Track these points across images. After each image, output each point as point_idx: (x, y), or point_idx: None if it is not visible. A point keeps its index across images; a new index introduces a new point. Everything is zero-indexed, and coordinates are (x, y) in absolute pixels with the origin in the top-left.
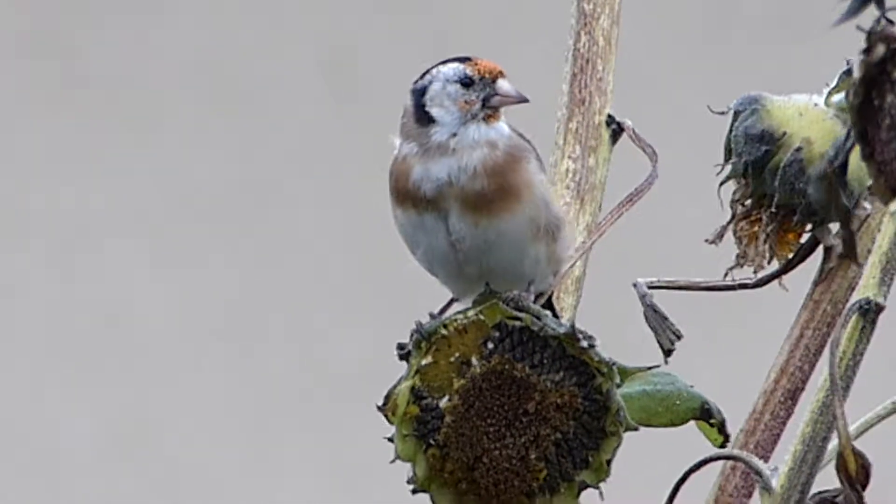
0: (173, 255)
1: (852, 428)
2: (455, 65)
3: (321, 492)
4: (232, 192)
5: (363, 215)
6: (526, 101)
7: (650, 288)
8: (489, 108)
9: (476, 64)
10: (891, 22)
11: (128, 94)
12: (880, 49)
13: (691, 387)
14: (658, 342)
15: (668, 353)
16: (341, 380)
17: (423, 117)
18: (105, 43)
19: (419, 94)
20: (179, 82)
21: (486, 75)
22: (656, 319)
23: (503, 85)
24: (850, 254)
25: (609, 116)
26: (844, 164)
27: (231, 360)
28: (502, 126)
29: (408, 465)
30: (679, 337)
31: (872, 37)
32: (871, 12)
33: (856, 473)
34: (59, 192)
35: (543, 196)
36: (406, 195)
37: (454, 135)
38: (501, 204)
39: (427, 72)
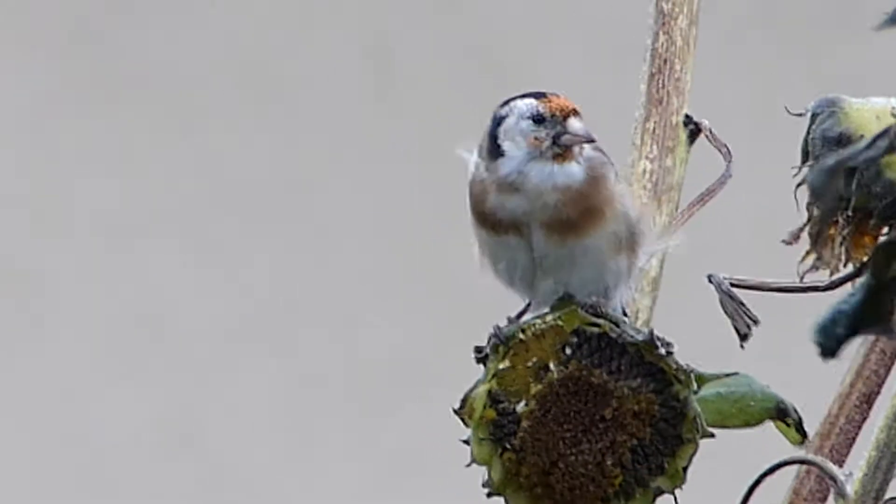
0: (214, 251)
1: None
2: (529, 100)
3: (364, 483)
4: (271, 187)
5: (400, 208)
6: (593, 140)
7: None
8: (558, 147)
9: (549, 101)
10: None
11: (165, 90)
12: None
13: (766, 387)
14: (734, 328)
15: (744, 338)
16: (381, 371)
17: (495, 149)
18: (144, 36)
19: (496, 123)
20: (216, 78)
21: (558, 113)
22: (732, 306)
23: (573, 124)
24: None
25: (686, 116)
26: (884, 193)
27: (272, 354)
28: (572, 168)
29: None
30: (756, 322)
31: None
32: None
33: None
34: (99, 189)
35: (625, 208)
36: (485, 219)
37: (521, 173)
38: (584, 226)
39: (507, 102)
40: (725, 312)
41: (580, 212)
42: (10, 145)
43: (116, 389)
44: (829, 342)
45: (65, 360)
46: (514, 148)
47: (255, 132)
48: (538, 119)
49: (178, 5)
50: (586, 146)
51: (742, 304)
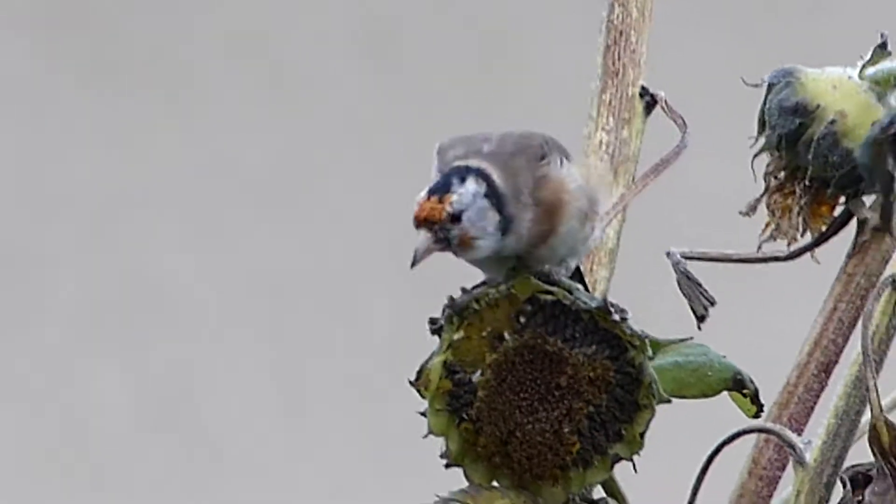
0: (211, 228)
1: (886, 401)
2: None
3: (359, 459)
4: (270, 165)
5: (399, 191)
6: (414, 264)
7: (683, 258)
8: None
9: (416, 206)
10: None
11: (166, 68)
12: None
13: (723, 357)
14: (691, 308)
15: (701, 318)
16: (381, 351)
17: None
18: (144, 18)
19: None
20: (213, 61)
21: (413, 222)
22: (689, 286)
23: (417, 239)
24: (886, 224)
25: (642, 88)
26: (841, 162)
27: (266, 336)
28: (485, 242)
29: (440, 439)
30: (713, 303)
31: None
32: None
33: (889, 446)
34: (99, 166)
35: (577, 183)
36: None
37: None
38: (556, 224)
39: None
40: (682, 293)
41: (548, 218)
42: (6, 125)
43: (110, 368)
44: None
45: (57, 338)
46: None
47: (252, 115)
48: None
49: None
50: (488, 222)
51: (699, 284)
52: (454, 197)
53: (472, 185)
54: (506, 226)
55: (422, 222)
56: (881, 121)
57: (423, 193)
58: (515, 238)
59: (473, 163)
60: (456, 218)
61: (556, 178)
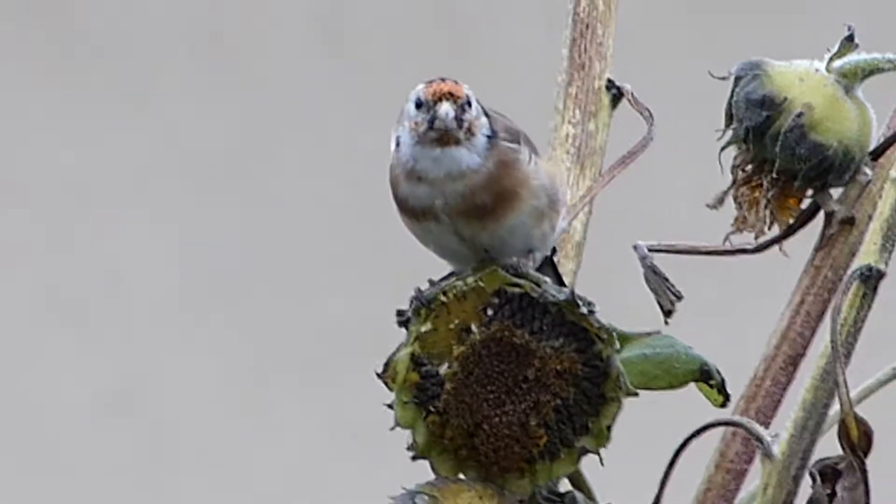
0: (168, 220)
1: (853, 394)
2: (421, 85)
3: (316, 452)
4: (227, 152)
5: (356, 175)
6: (448, 129)
7: (651, 251)
8: (433, 131)
9: (431, 85)
10: None
11: (122, 56)
12: None
13: (690, 349)
14: (658, 303)
15: (668, 313)
16: (340, 339)
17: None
18: (99, 6)
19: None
20: (172, 41)
21: (430, 97)
22: (656, 281)
23: (440, 108)
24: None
25: (609, 81)
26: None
27: (228, 321)
28: (459, 152)
29: (407, 431)
30: (679, 298)
31: None
32: None
33: (858, 440)
34: (55, 155)
35: (540, 182)
36: (402, 206)
37: (414, 159)
38: (502, 210)
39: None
40: (649, 287)
41: (493, 198)
42: None
43: (63, 356)
44: None
45: (13, 325)
46: (403, 133)
47: (209, 100)
48: (419, 104)
49: None
50: (482, 126)
51: (666, 279)
52: (466, 87)
53: (472, 93)
54: (490, 143)
55: (446, 95)
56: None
57: (433, 78)
58: (486, 173)
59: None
60: (469, 104)
61: (522, 170)
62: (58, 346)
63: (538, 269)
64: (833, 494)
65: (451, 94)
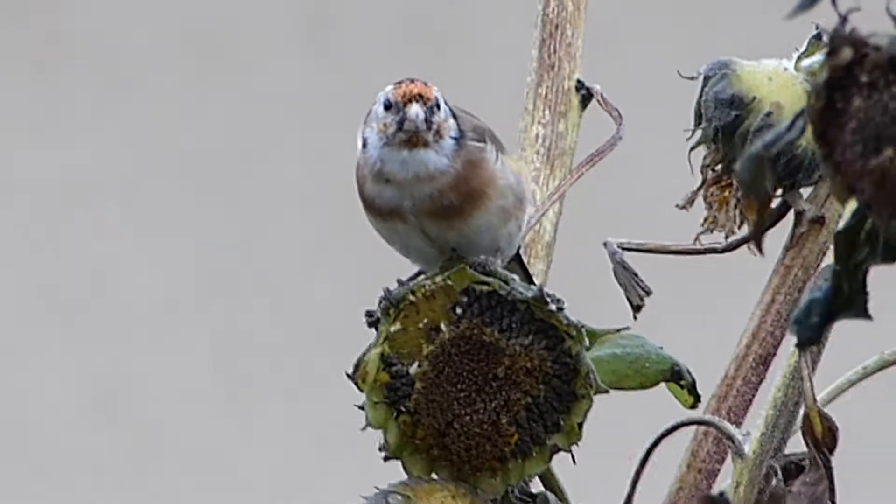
0: (152, 218)
1: (823, 393)
2: (390, 86)
3: (300, 453)
4: (212, 154)
5: (340, 176)
6: (417, 131)
7: (620, 249)
8: (403, 133)
9: (400, 86)
10: (845, 20)
11: (107, 57)
12: (846, 53)
13: (661, 349)
14: (627, 299)
15: (637, 308)
16: (322, 342)
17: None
18: (84, 4)
19: (368, 111)
20: (158, 42)
21: (400, 99)
22: (626, 276)
23: (410, 110)
24: (757, 244)
25: (578, 82)
26: (779, 153)
27: (213, 322)
28: (427, 155)
29: (379, 431)
30: (648, 293)
31: (837, 39)
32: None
33: (822, 437)
34: (38, 156)
35: (507, 181)
36: (368, 206)
37: (381, 161)
38: (469, 210)
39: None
40: (619, 283)
41: (461, 198)
42: None
43: (48, 357)
44: (806, 332)
45: None
46: (371, 134)
47: (193, 101)
48: (388, 105)
49: None
50: (450, 128)
51: (635, 274)
52: (435, 89)
53: (441, 95)
54: (458, 144)
55: (415, 97)
56: (764, 138)
57: (401, 79)
58: (453, 174)
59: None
60: (438, 106)
61: (489, 169)
62: (43, 347)
63: (506, 267)
64: (792, 490)
65: (420, 95)
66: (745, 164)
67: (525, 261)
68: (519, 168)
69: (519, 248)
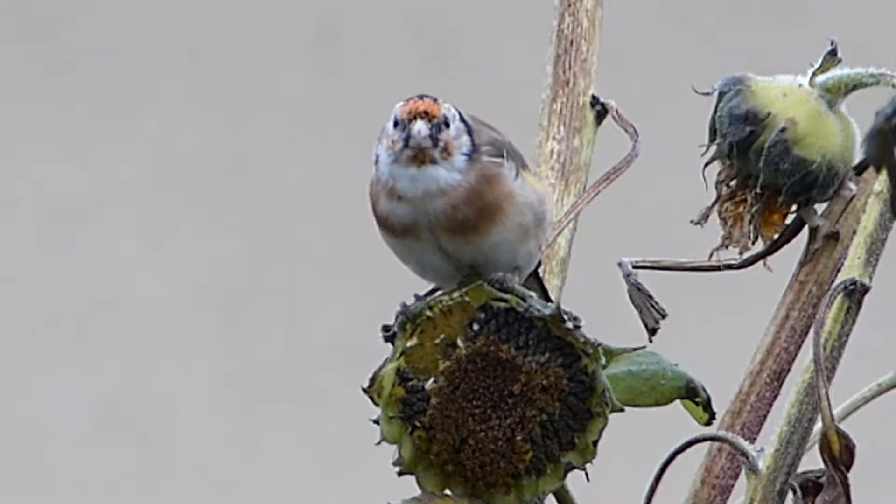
0: (160, 233)
1: (838, 409)
2: (400, 104)
3: (309, 469)
4: (219, 168)
5: (346, 191)
6: (422, 148)
7: (635, 268)
8: (409, 150)
9: (408, 104)
10: None
11: (114, 71)
12: None
13: (676, 366)
14: (642, 321)
15: (652, 332)
16: (331, 355)
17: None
18: (91, 19)
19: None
20: (165, 58)
21: (406, 116)
22: (641, 298)
23: (415, 127)
24: (893, 213)
25: (593, 97)
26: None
27: (219, 336)
28: (437, 171)
29: (393, 446)
30: (664, 316)
31: None
32: None
33: (840, 454)
34: (46, 170)
35: (526, 199)
36: (382, 223)
37: (392, 176)
38: (486, 225)
39: None
40: (634, 305)
41: (476, 212)
42: None
43: (59, 373)
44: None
45: (6, 343)
46: (382, 151)
47: (200, 115)
48: (396, 122)
49: None
50: (462, 144)
51: (650, 296)
52: (445, 105)
53: (453, 110)
54: (471, 159)
55: (420, 114)
56: (883, 109)
57: (411, 96)
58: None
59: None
60: (447, 123)
61: (506, 184)
62: (52, 363)
63: (523, 285)
64: None
65: (426, 112)
66: (868, 141)
67: (542, 278)
68: (541, 188)
69: (539, 265)
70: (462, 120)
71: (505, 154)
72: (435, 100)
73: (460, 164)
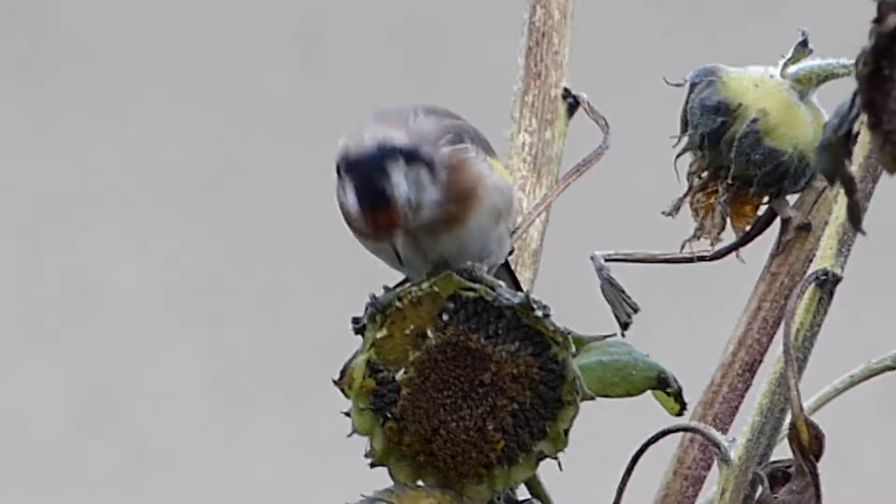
0: (144, 231)
1: (810, 401)
2: (352, 199)
3: (293, 465)
4: (202, 166)
5: (331, 191)
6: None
7: (608, 261)
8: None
9: (365, 215)
10: None
11: (98, 70)
12: (893, 19)
13: (647, 356)
14: (615, 315)
15: (624, 326)
16: (313, 353)
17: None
18: (73, 19)
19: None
20: (148, 58)
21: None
22: (613, 293)
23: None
24: (856, 223)
25: (565, 90)
26: (848, 133)
27: (200, 333)
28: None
29: (366, 439)
30: (636, 310)
31: (885, 6)
32: None
33: (809, 444)
34: (29, 168)
35: (495, 182)
36: (355, 228)
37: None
38: (464, 213)
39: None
40: (606, 299)
41: (455, 204)
42: None
43: (40, 370)
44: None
45: None
46: (349, 193)
47: (185, 115)
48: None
49: None
50: (429, 192)
51: (622, 291)
52: (398, 193)
53: (398, 173)
54: (433, 178)
55: (392, 229)
56: (830, 122)
57: (362, 205)
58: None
59: (390, 138)
60: (410, 206)
61: (475, 170)
62: (33, 359)
63: (494, 275)
64: (778, 498)
65: (395, 224)
66: (819, 155)
67: (513, 270)
68: (501, 171)
69: (510, 252)
70: (408, 155)
71: (467, 139)
72: (389, 203)
73: (431, 194)
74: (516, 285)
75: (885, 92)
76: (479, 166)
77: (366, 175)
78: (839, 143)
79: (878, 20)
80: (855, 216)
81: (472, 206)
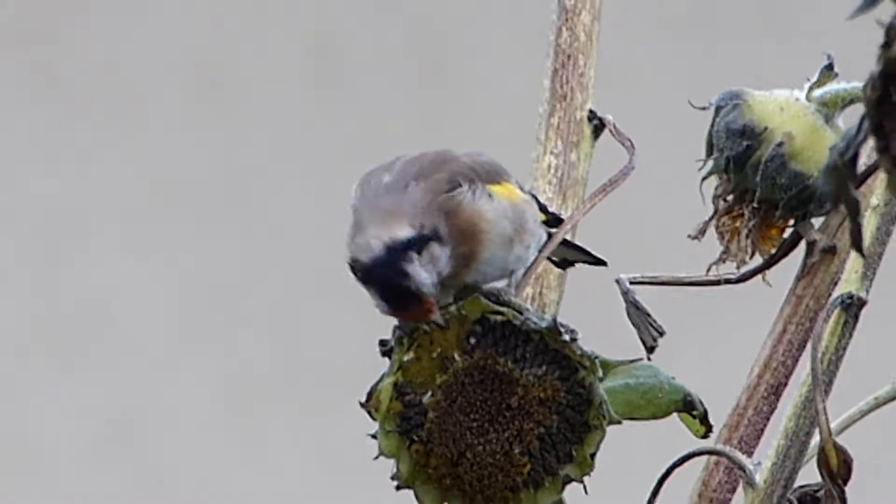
0: (157, 246)
1: (835, 423)
2: (382, 305)
3: (308, 482)
4: (216, 182)
5: (343, 206)
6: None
7: (633, 284)
8: None
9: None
10: None
11: (110, 84)
12: None
13: (673, 379)
14: (640, 339)
15: (650, 349)
16: (330, 369)
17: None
18: (87, 33)
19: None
20: (161, 72)
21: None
22: (638, 316)
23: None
24: (857, 246)
25: (591, 112)
26: (854, 157)
27: (213, 352)
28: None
29: (392, 461)
30: (661, 333)
31: (892, 31)
32: (887, 6)
33: (837, 468)
34: (41, 183)
35: (496, 210)
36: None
37: None
38: (474, 251)
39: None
40: (631, 322)
41: (467, 245)
42: None
43: (55, 388)
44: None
45: (3, 358)
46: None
47: (195, 131)
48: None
49: (122, 3)
50: (439, 263)
51: (648, 314)
52: (424, 289)
53: (414, 267)
54: (443, 242)
55: (429, 315)
56: (837, 146)
57: (393, 309)
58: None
59: (395, 236)
60: (435, 287)
61: (471, 208)
62: (49, 379)
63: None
64: None
65: (420, 319)
66: (825, 177)
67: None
68: (511, 196)
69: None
70: (417, 244)
71: (461, 180)
72: (410, 299)
73: (445, 256)
74: (582, 249)
75: (893, 117)
76: (475, 204)
77: (385, 281)
78: (845, 166)
79: (886, 45)
80: (856, 239)
81: (480, 241)
